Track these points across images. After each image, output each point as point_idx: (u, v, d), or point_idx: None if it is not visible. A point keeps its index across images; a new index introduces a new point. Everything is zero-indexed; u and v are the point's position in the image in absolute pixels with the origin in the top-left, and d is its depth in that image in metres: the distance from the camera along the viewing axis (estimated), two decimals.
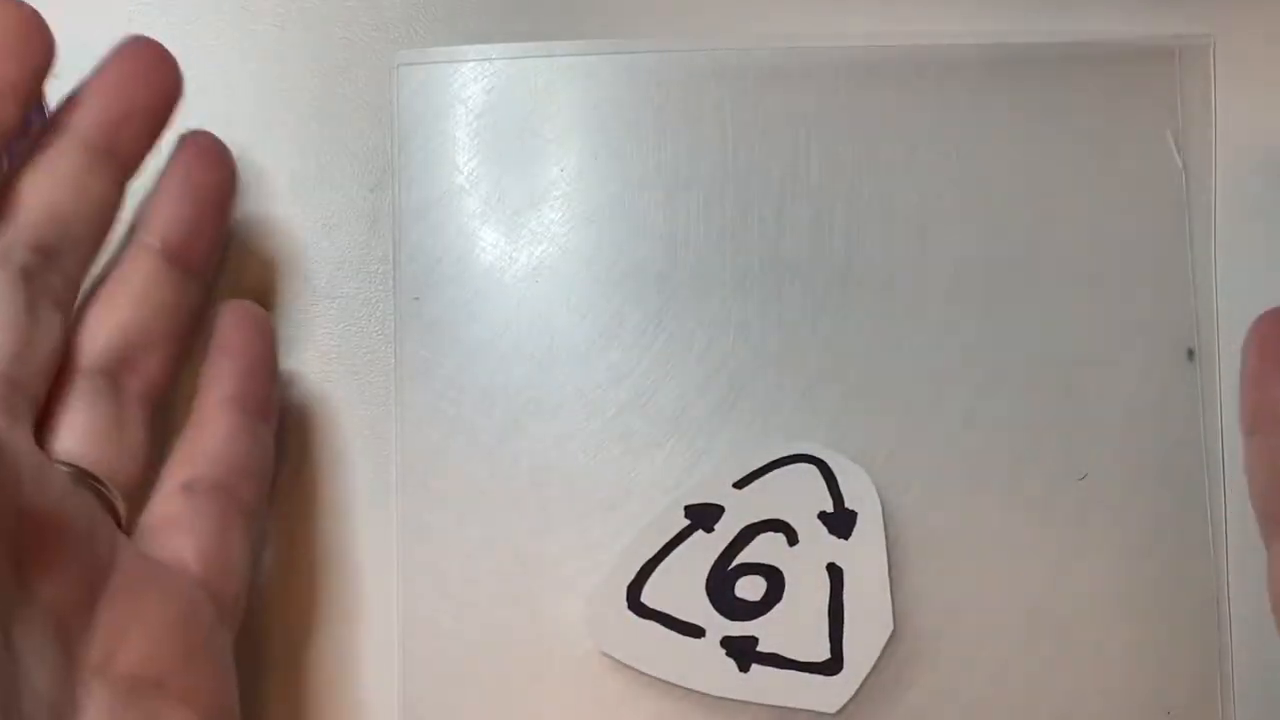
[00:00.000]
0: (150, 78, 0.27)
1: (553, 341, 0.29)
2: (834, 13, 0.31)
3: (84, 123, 0.26)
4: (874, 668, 0.27)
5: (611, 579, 0.28)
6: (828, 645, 0.27)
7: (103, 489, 0.25)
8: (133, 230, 0.27)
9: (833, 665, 0.27)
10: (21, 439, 0.23)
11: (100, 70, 0.26)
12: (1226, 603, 0.29)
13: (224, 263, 0.30)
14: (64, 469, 0.24)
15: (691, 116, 0.30)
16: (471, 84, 0.30)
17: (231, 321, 0.28)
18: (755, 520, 0.28)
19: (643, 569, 0.28)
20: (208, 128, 0.30)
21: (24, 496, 0.22)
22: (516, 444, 0.29)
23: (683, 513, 0.28)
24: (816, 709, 0.27)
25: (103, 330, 0.26)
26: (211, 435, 0.27)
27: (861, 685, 0.27)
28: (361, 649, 0.29)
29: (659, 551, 0.28)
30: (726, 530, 0.28)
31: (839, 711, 0.27)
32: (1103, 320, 0.29)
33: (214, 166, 0.28)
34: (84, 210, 0.25)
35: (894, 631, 0.27)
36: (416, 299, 0.29)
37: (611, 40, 0.30)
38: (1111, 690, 0.28)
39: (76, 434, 0.25)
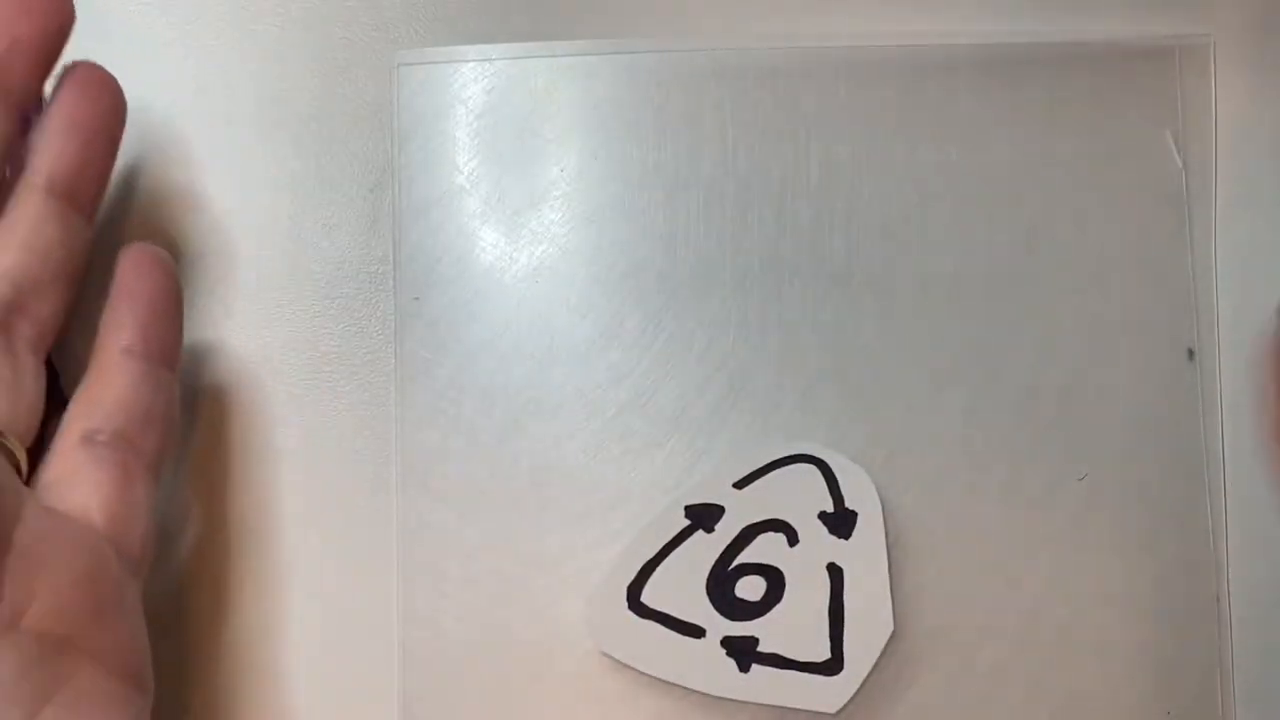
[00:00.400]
0: (37, 6, 0.25)
1: (553, 341, 0.29)
2: (834, 13, 0.31)
3: None
4: (874, 668, 0.27)
5: (611, 579, 0.28)
6: (828, 645, 0.27)
7: (3, 441, 0.24)
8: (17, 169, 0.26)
9: (833, 665, 0.27)
10: None
11: None
12: (1226, 602, 0.29)
13: (223, 263, 0.30)
14: None
15: (691, 116, 0.30)
16: (471, 84, 0.30)
17: (133, 264, 0.26)
18: (755, 520, 0.28)
19: (643, 569, 0.28)
20: (208, 128, 0.30)
21: None
22: (516, 444, 0.29)
23: (683, 513, 0.28)
24: (816, 709, 0.27)
25: None
26: (112, 384, 0.25)
27: (861, 685, 0.27)
28: (361, 649, 0.29)
29: (659, 551, 0.28)
30: (727, 530, 0.28)
31: (839, 711, 0.27)
32: (1103, 320, 0.29)
33: (99, 98, 0.26)
34: None
35: (894, 631, 0.27)
36: (416, 299, 0.29)
37: (611, 40, 0.30)
38: (1111, 690, 0.28)
39: None
